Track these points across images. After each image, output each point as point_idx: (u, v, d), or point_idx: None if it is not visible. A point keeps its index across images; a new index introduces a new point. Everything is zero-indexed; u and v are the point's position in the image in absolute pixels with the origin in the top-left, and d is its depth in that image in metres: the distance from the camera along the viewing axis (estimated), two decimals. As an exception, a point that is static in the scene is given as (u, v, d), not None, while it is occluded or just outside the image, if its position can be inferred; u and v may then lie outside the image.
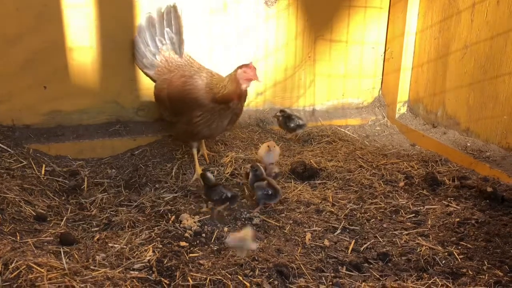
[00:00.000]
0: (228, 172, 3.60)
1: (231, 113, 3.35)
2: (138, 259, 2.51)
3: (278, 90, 4.65)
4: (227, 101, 3.24)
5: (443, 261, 2.56)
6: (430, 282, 2.38)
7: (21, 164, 3.45)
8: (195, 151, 3.58)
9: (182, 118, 3.40)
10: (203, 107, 3.26)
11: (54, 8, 3.71)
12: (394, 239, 2.81)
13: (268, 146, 3.50)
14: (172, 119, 3.59)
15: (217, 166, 3.67)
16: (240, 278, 2.36)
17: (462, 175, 3.52)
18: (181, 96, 3.35)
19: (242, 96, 3.29)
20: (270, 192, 3.07)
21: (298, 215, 3.06)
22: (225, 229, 2.84)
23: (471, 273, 2.43)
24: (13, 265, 2.25)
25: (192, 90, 3.30)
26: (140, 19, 3.79)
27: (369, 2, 4.65)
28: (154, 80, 3.73)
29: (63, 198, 3.29)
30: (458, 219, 2.94)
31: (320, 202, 3.24)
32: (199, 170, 3.47)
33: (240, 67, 3.22)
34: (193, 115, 3.29)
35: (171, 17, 3.68)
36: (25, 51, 3.73)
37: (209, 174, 3.14)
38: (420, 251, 2.65)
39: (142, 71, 3.81)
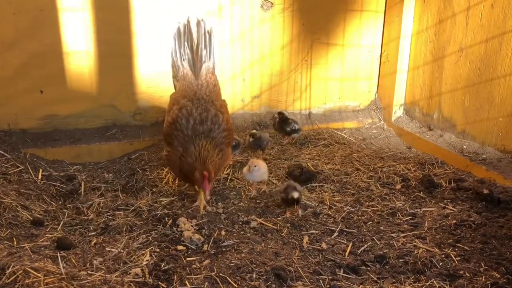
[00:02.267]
0: (227, 173, 3.60)
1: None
2: (136, 263, 2.51)
3: (274, 93, 4.66)
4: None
5: (440, 263, 2.56)
6: (427, 284, 2.39)
7: (18, 169, 3.45)
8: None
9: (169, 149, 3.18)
10: (172, 147, 3.08)
11: (51, 12, 3.72)
12: (391, 242, 2.81)
13: (249, 166, 3.31)
14: None
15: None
16: (238, 281, 2.36)
17: (458, 177, 3.53)
18: (165, 120, 3.20)
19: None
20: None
21: (296, 218, 3.06)
22: (223, 232, 2.84)
23: (468, 275, 2.44)
24: (10, 270, 2.24)
25: (171, 122, 3.10)
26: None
27: (365, 6, 4.67)
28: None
29: (60, 202, 3.28)
30: (454, 221, 2.95)
31: (317, 205, 3.24)
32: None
33: (204, 172, 2.90)
34: (166, 144, 3.16)
35: (188, 30, 3.41)
36: (22, 55, 3.73)
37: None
38: (417, 253, 2.66)
39: (173, 81, 3.58)
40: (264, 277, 2.40)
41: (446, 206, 3.17)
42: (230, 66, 4.39)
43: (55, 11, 3.73)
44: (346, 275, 2.52)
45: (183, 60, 3.38)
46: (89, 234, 2.91)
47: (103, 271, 2.42)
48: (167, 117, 3.19)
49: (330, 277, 2.48)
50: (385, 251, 2.72)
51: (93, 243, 2.76)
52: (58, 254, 2.51)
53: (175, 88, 3.49)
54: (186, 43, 3.39)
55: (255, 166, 3.30)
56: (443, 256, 2.62)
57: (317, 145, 4.32)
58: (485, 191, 3.14)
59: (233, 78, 4.44)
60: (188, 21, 3.41)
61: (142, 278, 2.37)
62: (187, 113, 3.07)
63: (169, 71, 3.55)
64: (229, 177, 3.60)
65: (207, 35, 3.42)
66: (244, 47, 4.40)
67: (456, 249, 2.69)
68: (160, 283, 2.34)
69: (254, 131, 4.09)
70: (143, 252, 2.61)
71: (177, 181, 3.53)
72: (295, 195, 3.03)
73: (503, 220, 2.90)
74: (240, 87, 4.49)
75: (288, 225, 2.98)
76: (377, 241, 2.82)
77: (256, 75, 4.52)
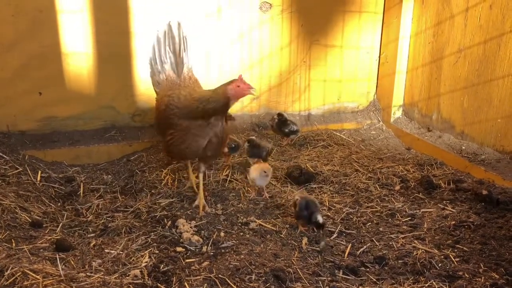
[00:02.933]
0: (226, 175, 3.60)
1: (211, 131, 3.04)
2: (135, 265, 2.50)
3: (273, 94, 4.66)
4: (209, 115, 2.98)
5: (439, 264, 2.56)
6: (426, 285, 2.39)
7: (17, 171, 3.44)
8: (189, 163, 3.49)
9: (164, 139, 3.20)
10: (175, 126, 3.06)
11: (50, 14, 3.72)
12: (390, 243, 2.81)
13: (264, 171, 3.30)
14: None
15: (214, 171, 3.68)
16: (237, 283, 2.36)
17: (457, 178, 3.53)
18: (158, 115, 3.23)
19: (225, 111, 3.05)
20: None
21: (295, 219, 3.06)
22: (222, 234, 2.84)
23: (467, 276, 2.44)
24: (8, 272, 2.24)
25: (164, 109, 3.11)
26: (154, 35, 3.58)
27: (364, 7, 4.68)
28: None
29: (59, 204, 3.27)
30: (454, 222, 2.95)
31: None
32: (193, 178, 3.43)
33: (230, 82, 2.94)
34: (166, 133, 3.12)
35: (169, 35, 3.48)
36: (21, 57, 3.73)
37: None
38: (417, 254, 2.66)
39: (154, 89, 3.61)
40: (263, 278, 2.40)
41: (445, 207, 3.17)
42: (229, 67, 4.39)
43: (54, 12, 3.73)
44: (345, 276, 2.52)
45: (165, 63, 3.45)
46: (88, 235, 2.90)
47: (102, 273, 2.42)
48: (158, 110, 3.22)
49: (329, 278, 2.48)
50: (384, 252, 2.72)
51: (92, 244, 2.76)
52: (57, 256, 2.51)
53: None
54: (168, 48, 3.46)
55: (265, 172, 3.28)
56: (442, 257, 2.62)
57: (316, 146, 4.32)
58: (484, 192, 3.14)
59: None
60: (170, 26, 3.46)
61: (141, 279, 2.37)
62: (177, 95, 3.10)
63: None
64: (228, 179, 3.60)
65: (185, 39, 3.48)
66: (243, 48, 4.41)
67: (455, 250, 2.69)
68: (159, 284, 2.34)
69: (253, 137, 3.83)
70: (142, 253, 2.61)
71: (176, 182, 3.53)
72: (320, 219, 2.84)
73: (502, 221, 2.91)
74: (239, 88, 4.49)
75: (287, 226, 2.98)
76: (376, 242, 2.83)
77: (255, 77, 4.52)
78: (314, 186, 3.58)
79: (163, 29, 3.48)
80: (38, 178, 3.46)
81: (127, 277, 2.38)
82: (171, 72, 3.45)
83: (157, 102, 3.34)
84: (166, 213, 3.07)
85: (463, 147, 3.93)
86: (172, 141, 3.08)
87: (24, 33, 3.69)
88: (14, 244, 2.61)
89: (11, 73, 3.74)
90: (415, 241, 2.80)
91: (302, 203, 2.94)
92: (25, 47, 3.72)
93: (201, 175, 3.26)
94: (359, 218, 3.10)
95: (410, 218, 3.09)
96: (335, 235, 2.91)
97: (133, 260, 2.56)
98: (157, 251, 2.65)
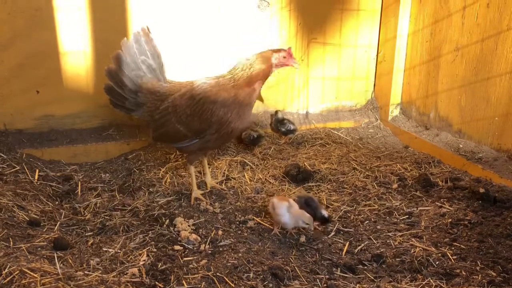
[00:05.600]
0: (224, 175, 3.60)
1: (256, 98, 3.07)
2: (133, 263, 2.50)
3: (272, 93, 4.66)
4: (254, 81, 2.99)
5: (437, 262, 2.57)
6: (424, 283, 2.39)
7: (14, 169, 3.44)
8: (192, 168, 3.31)
9: (209, 131, 3.06)
10: (227, 106, 2.98)
11: (47, 12, 3.71)
12: (388, 241, 2.82)
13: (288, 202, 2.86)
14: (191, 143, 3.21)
15: (213, 169, 3.68)
16: (235, 281, 2.36)
17: (454, 176, 3.54)
18: (196, 110, 3.04)
19: (267, 77, 3.07)
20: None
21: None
22: (220, 232, 2.84)
23: (464, 273, 2.45)
24: (6, 270, 2.24)
25: (206, 97, 3.01)
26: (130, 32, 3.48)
27: (362, 5, 4.68)
28: (147, 121, 3.34)
29: (57, 203, 3.27)
30: (451, 220, 2.96)
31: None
32: (195, 187, 3.33)
33: (278, 51, 3.00)
34: (222, 121, 3.00)
35: (143, 42, 3.21)
36: (18, 55, 3.72)
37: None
38: (414, 252, 2.66)
39: (129, 114, 3.39)
40: (261, 276, 2.41)
41: (443, 205, 3.18)
42: (227, 66, 4.36)
43: (51, 10, 3.72)
44: (343, 274, 2.53)
45: (142, 77, 3.22)
46: (86, 234, 2.90)
47: (100, 271, 2.42)
48: (164, 117, 3.14)
49: (327, 276, 2.49)
50: (382, 250, 2.72)
51: (90, 243, 2.76)
52: (55, 255, 2.51)
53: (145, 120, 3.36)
54: (144, 56, 3.21)
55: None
56: (439, 255, 2.63)
57: (314, 145, 4.33)
58: (481, 190, 3.15)
59: (230, 78, 4.43)
60: (145, 31, 3.22)
61: (139, 278, 2.37)
62: (180, 94, 3.10)
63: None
64: (225, 177, 3.60)
65: (153, 42, 3.27)
66: (241, 47, 4.39)
67: (453, 248, 2.70)
68: (157, 283, 2.34)
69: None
70: (140, 252, 2.61)
71: (175, 178, 3.52)
72: (325, 214, 2.90)
73: (499, 219, 2.92)
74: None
75: (285, 224, 2.98)
76: (374, 240, 2.83)
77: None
78: (312, 184, 3.58)
79: (128, 41, 3.19)
80: (36, 177, 3.45)
81: (125, 276, 2.38)
82: (155, 81, 3.24)
83: (161, 118, 3.17)
84: (164, 211, 3.07)
85: (461, 146, 3.94)
86: (227, 119, 3.00)
87: (21, 31, 3.68)
88: (11, 243, 2.61)
89: (8, 71, 3.73)
90: (413, 239, 2.81)
91: (301, 201, 2.95)
92: (22, 46, 3.71)
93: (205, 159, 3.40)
94: (356, 216, 3.11)
95: (407, 216, 3.10)
96: (332, 233, 2.92)
97: (131, 258, 2.56)
98: (155, 250, 2.65)
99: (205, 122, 3.05)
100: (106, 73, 3.23)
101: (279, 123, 4.27)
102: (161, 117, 3.18)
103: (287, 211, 2.79)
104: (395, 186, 3.50)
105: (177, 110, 3.10)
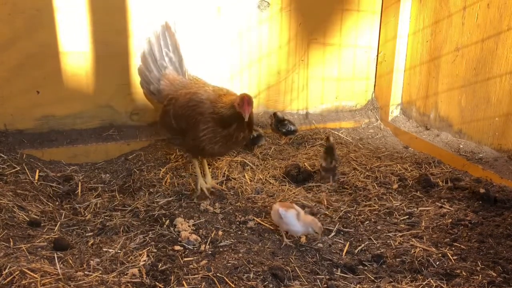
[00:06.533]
0: (224, 175, 3.60)
1: (233, 138, 3.10)
2: (133, 264, 2.50)
3: (272, 93, 4.66)
4: (224, 125, 3.04)
5: (437, 263, 2.57)
6: (424, 283, 2.39)
7: (14, 170, 3.44)
8: (196, 162, 3.41)
9: (189, 135, 3.18)
10: (207, 123, 3.06)
11: (47, 13, 3.71)
12: (388, 241, 2.82)
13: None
14: (177, 140, 3.39)
15: (213, 169, 3.68)
16: (235, 281, 2.36)
17: (455, 176, 3.54)
18: (186, 112, 3.17)
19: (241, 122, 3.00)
20: None
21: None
22: (220, 232, 2.84)
23: (464, 274, 2.45)
24: (6, 271, 2.24)
25: (196, 105, 3.12)
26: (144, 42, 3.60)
27: (362, 6, 4.68)
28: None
29: (57, 203, 3.27)
30: (451, 221, 2.96)
31: (315, 205, 3.25)
32: (202, 180, 3.40)
33: (242, 97, 2.93)
34: (198, 129, 3.08)
35: (166, 36, 3.53)
36: (18, 56, 3.72)
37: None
38: (414, 252, 2.66)
39: (149, 97, 3.67)
40: (262, 276, 2.41)
41: (443, 206, 3.17)
42: (228, 66, 4.39)
43: (51, 11, 3.71)
44: (343, 275, 2.53)
45: (165, 68, 3.49)
46: (86, 234, 2.90)
47: (100, 272, 2.42)
48: (178, 107, 3.22)
49: (327, 277, 2.49)
50: (382, 250, 2.72)
51: (90, 243, 2.76)
52: (55, 255, 2.51)
53: (151, 103, 3.64)
54: (166, 49, 3.50)
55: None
56: (440, 255, 2.63)
57: (314, 145, 4.32)
58: (482, 190, 3.15)
59: (232, 78, 4.43)
60: (165, 26, 3.51)
61: (139, 278, 2.37)
62: (195, 89, 3.21)
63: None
64: (225, 177, 3.60)
65: (174, 37, 3.54)
66: (242, 47, 4.40)
67: (453, 248, 2.70)
68: (157, 283, 2.34)
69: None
70: (140, 252, 2.61)
71: (175, 179, 3.52)
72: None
73: (500, 219, 2.91)
74: (238, 87, 4.48)
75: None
76: (374, 241, 2.83)
77: (254, 75, 4.52)
78: (312, 184, 3.58)
79: (157, 32, 3.50)
80: (36, 177, 3.45)
81: (125, 276, 2.38)
82: (175, 73, 3.49)
83: (166, 107, 3.32)
84: (164, 212, 3.07)
85: (461, 146, 3.94)
86: (205, 137, 3.09)
87: (21, 32, 3.68)
88: (12, 243, 2.61)
89: (8, 72, 3.73)
90: (413, 240, 2.81)
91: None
92: (22, 46, 3.70)
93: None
94: (357, 217, 3.11)
95: (408, 216, 3.09)
96: (333, 234, 2.92)
97: (131, 259, 2.56)
98: (155, 250, 2.65)
99: (190, 126, 3.15)
100: (141, 55, 3.59)
101: (279, 123, 4.27)
102: (166, 106, 3.35)
103: (297, 218, 2.74)
104: (395, 186, 3.50)
105: (175, 105, 3.27)
